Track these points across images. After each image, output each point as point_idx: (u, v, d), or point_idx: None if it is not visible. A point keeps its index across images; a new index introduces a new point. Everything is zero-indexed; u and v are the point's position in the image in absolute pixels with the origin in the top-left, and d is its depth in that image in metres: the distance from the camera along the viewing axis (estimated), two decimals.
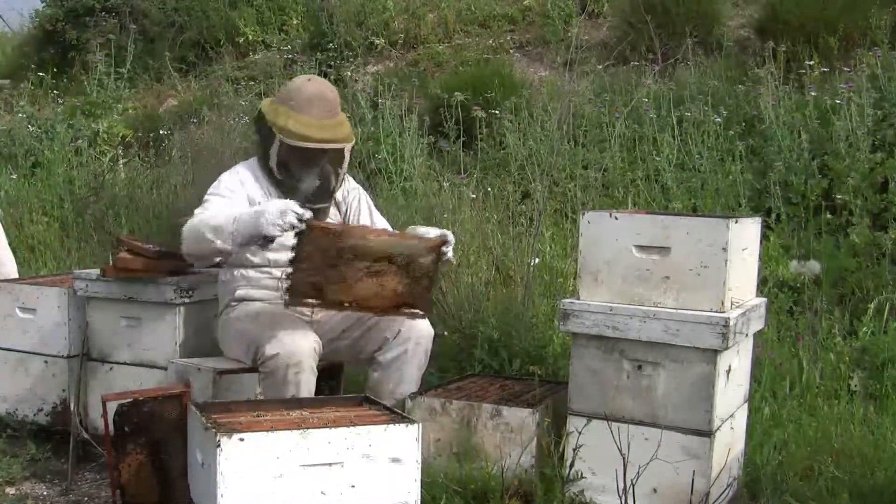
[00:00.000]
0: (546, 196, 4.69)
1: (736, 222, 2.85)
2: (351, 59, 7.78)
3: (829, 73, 5.77)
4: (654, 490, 2.81)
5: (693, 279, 2.80)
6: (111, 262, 3.65)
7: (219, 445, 2.32)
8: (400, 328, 3.18)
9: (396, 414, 2.68)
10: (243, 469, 2.35)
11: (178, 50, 8.87)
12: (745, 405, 3.20)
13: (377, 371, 3.20)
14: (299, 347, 2.95)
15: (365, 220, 3.36)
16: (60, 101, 8.08)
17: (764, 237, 4.16)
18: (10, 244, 4.44)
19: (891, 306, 4.14)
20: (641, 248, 2.87)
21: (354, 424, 2.51)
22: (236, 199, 3.16)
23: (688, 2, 6.85)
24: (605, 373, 2.89)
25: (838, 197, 4.81)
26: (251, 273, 3.25)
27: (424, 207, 4.88)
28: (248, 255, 3.20)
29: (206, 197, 3.18)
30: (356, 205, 3.41)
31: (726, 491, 2.89)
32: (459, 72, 7.16)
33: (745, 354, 3.12)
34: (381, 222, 3.43)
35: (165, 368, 3.36)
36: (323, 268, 2.87)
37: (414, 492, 2.51)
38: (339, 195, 3.35)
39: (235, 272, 3.26)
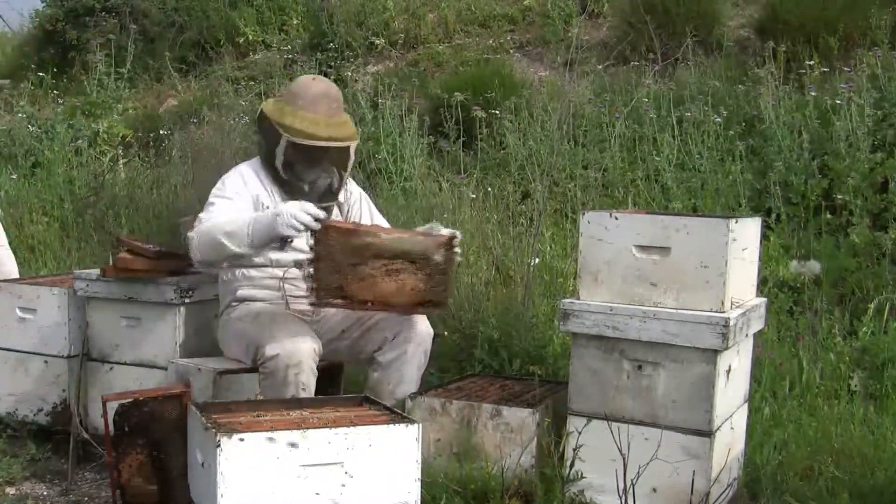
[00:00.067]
0: (546, 196, 4.69)
1: (736, 222, 2.85)
2: (351, 59, 7.78)
3: (829, 73, 5.77)
4: (654, 490, 2.81)
5: (693, 279, 2.80)
6: (111, 262, 3.65)
7: (219, 445, 2.32)
8: (400, 328, 3.18)
9: (396, 414, 2.68)
10: (243, 469, 2.35)
11: (178, 50, 8.86)
12: (745, 405, 3.20)
13: (377, 371, 3.20)
14: (299, 348, 2.95)
15: (366, 222, 3.36)
16: (60, 101, 8.08)
17: (764, 237, 4.16)
18: (10, 244, 4.45)
19: (891, 306, 4.14)
20: (641, 248, 2.87)
21: (354, 424, 2.51)
22: (241, 200, 3.15)
23: (688, 2, 6.84)
24: (605, 373, 2.89)
25: (838, 197, 4.81)
26: (253, 273, 3.25)
27: (424, 207, 4.89)
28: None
29: (211, 200, 3.17)
30: (357, 207, 3.42)
31: (726, 491, 2.89)
32: (459, 72, 7.16)
33: (745, 354, 3.12)
34: (382, 224, 3.43)
35: (165, 368, 3.36)
36: (343, 267, 2.89)
37: (414, 492, 2.51)
38: (340, 196, 3.35)
39: (237, 272, 3.26)
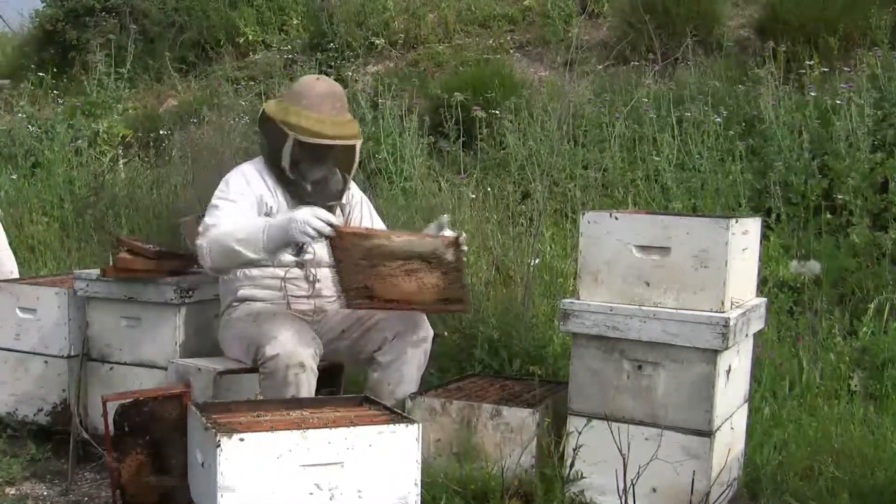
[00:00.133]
0: (546, 196, 4.69)
1: (736, 222, 2.85)
2: (351, 59, 7.78)
3: (829, 73, 5.77)
4: (654, 490, 2.81)
5: (693, 279, 2.80)
6: (111, 263, 3.65)
7: (219, 445, 2.32)
8: (399, 329, 3.18)
9: (396, 414, 2.68)
10: (243, 469, 2.35)
11: (178, 50, 8.86)
12: (745, 405, 3.20)
13: (377, 371, 3.20)
14: (300, 348, 2.95)
15: (367, 226, 3.36)
16: (60, 101, 8.08)
17: (764, 237, 4.16)
18: (10, 244, 4.44)
19: (891, 306, 4.14)
20: (641, 248, 2.87)
21: (354, 424, 2.51)
22: (244, 201, 3.15)
23: (688, 2, 6.84)
24: (605, 373, 2.89)
25: (838, 197, 4.81)
26: (254, 272, 3.25)
27: (424, 207, 4.89)
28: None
29: (215, 202, 3.16)
30: (358, 209, 3.42)
31: (726, 491, 2.89)
32: (459, 72, 7.16)
33: (745, 354, 3.12)
34: (378, 226, 3.43)
35: (165, 368, 3.36)
36: (364, 268, 2.92)
37: (414, 492, 2.51)
38: (343, 197, 3.35)
39: (238, 272, 3.26)
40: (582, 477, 2.87)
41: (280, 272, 3.22)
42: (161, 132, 7.38)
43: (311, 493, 2.41)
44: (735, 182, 5.04)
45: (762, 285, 4.04)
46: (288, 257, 3.05)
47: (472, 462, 2.99)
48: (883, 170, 4.82)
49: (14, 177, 6.94)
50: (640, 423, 2.84)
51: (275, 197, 3.21)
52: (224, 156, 5.59)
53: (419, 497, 2.54)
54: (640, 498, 2.79)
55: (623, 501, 2.79)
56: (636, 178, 5.39)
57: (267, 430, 2.43)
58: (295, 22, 8.73)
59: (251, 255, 2.98)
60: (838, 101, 5.15)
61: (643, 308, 2.83)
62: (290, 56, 8.04)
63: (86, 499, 3.29)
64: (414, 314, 3.23)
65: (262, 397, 2.98)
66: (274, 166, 3.23)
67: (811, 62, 5.77)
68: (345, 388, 3.46)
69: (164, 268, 3.49)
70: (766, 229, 4.66)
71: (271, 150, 3.23)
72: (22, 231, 6.08)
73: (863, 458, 3.12)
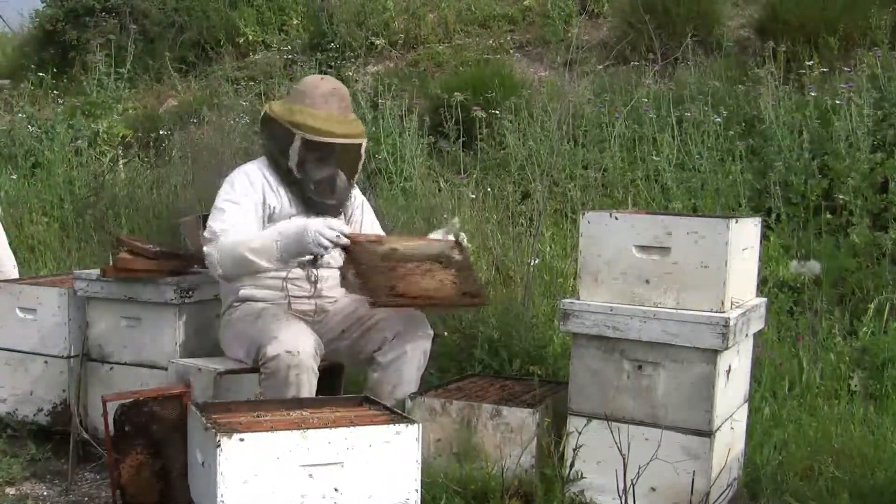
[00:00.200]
0: (546, 196, 4.69)
1: (736, 222, 2.85)
2: (351, 60, 7.78)
3: (829, 73, 5.77)
4: (654, 490, 2.81)
5: (693, 279, 2.80)
6: (111, 263, 3.65)
7: (219, 445, 2.33)
8: (399, 329, 3.18)
9: (396, 414, 2.68)
10: (243, 469, 2.35)
11: (178, 50, 8.86)
12: (745, 405, 3.20)
13: (376, 371, 3.20)
14: (301, 349, 2.95)
15: (367, 230, 3.37)
16: (60, 102, 8.08)
17: (764, 237, 4.16)
18: (10, 244, 4.44)
19: (891, 306, 4.14)
20: (641, 248, 2.87)
21: (354, 424, 2.51)
22: (249, 202, 3.15)
23: (688, 2, 6.84)
24: (605, 373, 2.89)
25: (838, 197, 4.81)
26: None
27: (424, 207, 4.89)
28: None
29: (220, 205, 3.15)
30: (359, 212, 3.42)
31: (726, 491, 2.89)
32: (459, 72, 7.16)
33: (745, 354, 3.12)
34: (378, 233, 3.42)
35: (166, 368, 3.36)
36: (385, 270, 2.95)
37: (414, 492, 2.51)
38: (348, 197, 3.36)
39: None
40: (582, 477, 2.87)
41: (282, 272, 3.22)
42: (161, 132, 7.38)
43: (310, 494, 2.41)
44: (735, 182, 5.04)
45: (762, 285, 4.04)
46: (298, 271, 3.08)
47: (472, 462, 2.99)
48: (883, 170, 4.82)
49: (14, 177, 6.94)
50: (640, 423, 2.84)
51: (278, 197, 3.21)
52: (224, 156, 5.59)
53: (419, 497, 2.54)
54: (640, 498, 2.79)
55: (623, 501, 2.79)
56: (636, 178, 5.38)
57: (267, 430, 2.43)
58: (295, 22, 8.73)
59: (264, 265, 3.02)
60: (838, 101, 5.15)
61: (643, 308, 2.83)
62: (290, 56, 8.04)
63: (86, 499, 3.29)
64: (414, 314, 3.23)
65: (262, 398, 2.98)
66: (278, 166, 3.22)
67: (811, 62, 5.77)
68: (345, 388, 3.46)
69: (164, 268, 3.49)
70: (766, 229, 4.65)
71: (276, 150, 3.22)
72: (22, 231, 6.08)
73: (863, 458, 3.12)
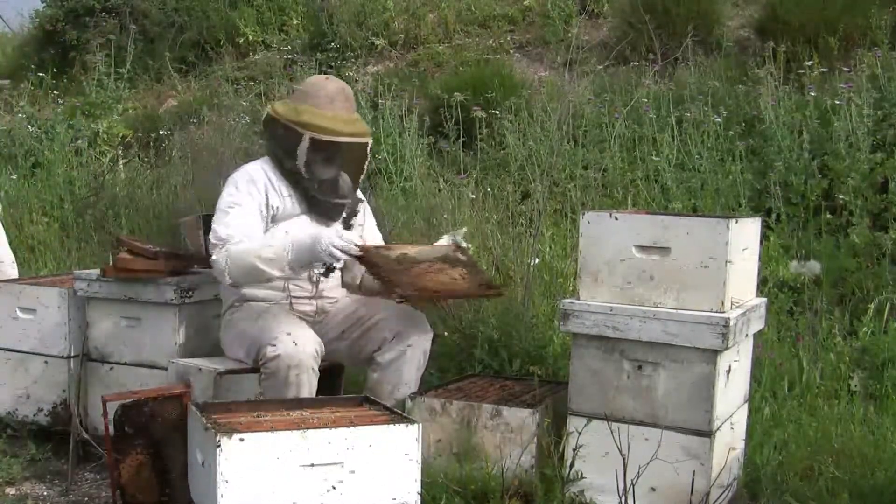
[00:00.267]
0: (546, 196, 4.69)
1: (736, 222, 2.85)
2: (351, 60, 7.78)
3: (829, 73, 5.77)
4: (654, 490, 2.81)
5: (693, 279, 2.80)
6: (111, 263, 3.65)
7: (219, 445, 2.33)
8: (399, 329, 3.18)
9: (396, 414, 2.68)
10: (243, 469, 2.35)
11: (178, 50, 8.87)
12: (745, 405, 3.20)
13: (376, 372, 3.20)
14: (301, 349, 2.95)
15: (368, 236, 3.37)
16: (60, 102, 8.08)
17: (764, 237, 4.16)
18: (10, 244, 4.44)
19: (891, 306, 4.14)
20: (641, 248, 2.87)
21: (354, 424, 2.52)
22: (254, 205, 3.14)
23: (688, 2, 6.84)
24: (605, 373, 2.89)
25: (838, 197, 4.81)
26: None
27: (424, 207, 4.89)
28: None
29: (225, 207, 3.14)
30: (362, 216, 3.42)
31: (726, 491, 2.89)
32: (459, 72, 7.16)
33: (745, 354, 3.12)
34: (378, 240, 3.43)
35: (166, 369, 3.36)
36: (401, 271, 2.97)
37: (414, 492, 2.51)
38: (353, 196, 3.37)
39: None
40: (582, 477, 2.87)
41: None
42: (161, 132, 7.39)
43: (310, 494, 2.41)
44: (735, 182, 5.04)
45: (762, 285, 4.04)
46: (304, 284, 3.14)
47: (472, 462, 2.99)
48: (883, 170, 4.82)
49: (14, 177, 6.94)
50: (640, 423, 2.84)
51: (281, 197, 3.20)
52: (224, 156, 5.60)
53: (419, 497, 2.54)
54: (640, 498, 2.79)
55: (623, 501, 2.79)
56: (636, 179, 5.39)
57: (267, 431, 2.43)
58: (295, 22, 8.73)
59: (276, 274, 3.02)
60: (838, 101, 5.15)
61: (643, 308, 2.83)
62: (290, 56, 8.04)
63: (86, 499, 3.29)
64: (413, 314, 3.24)
65: (262, 397, 2.98)
66: (282, 166, 3.22)
67: (811, 62, 5.77)
68: (345, 388, 3.46)
69: (164, 268, 3.48)
70: (766, 229, 4.65)
71: (282, 150, 3.22)
72: (22, 231, 6.08)
73: (863, 458, 3.12)
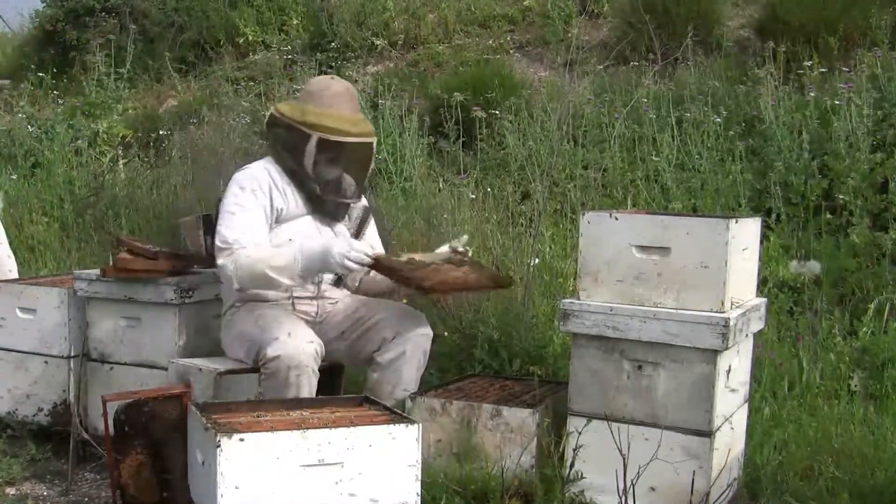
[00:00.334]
0: (546, 196, 4.69)
1: (736, 222, 2.85)
2: (351, 60, 7.78)
3: (828, 73, 5.77)
4: (654, 490, 2.81)
5: (693, 279, 2.80)
6: (111, 263, 3.65)
7: (219, 445, 2.33)
8: (398, 329, 3.19)
9: (396, 414, 2.68)
10: (243, 469, 2.35)
11: (178, 50, 8.86)
12: (745, 405, 3.20)
13: (376, 372, 3.20)
14: (301, 350, 2.95)
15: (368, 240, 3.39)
16: (60, 102, 8.08)
17: (764, 237, 4.16)
18: (10, 244, 4.44)
19: (891, 306, 4.14)
20: (641, 248, 2.87)
21: (354, 424, 2.51)
22: (259, 206, 3.14)
23: (688, 2, 6.84)
24: (605, 373, 2.89)
25: (838, 197, 4.81)
26: None
27: (424, 208, 4.89)
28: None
29: (230, 208, 3.13)
30: (365, 220, 3.42)
31: (726, 491, 2.89)
32: (459, 72, 7.16)
33: (745, 354, 3.12)
34: (377, 245, 3.43)
35: (166, 369, 3.36)
36: (415, 273, 3.00)
37: (414, 492, 2.51)
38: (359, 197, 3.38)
39: None
40: (582, 477, 2.87)
41: None
42: (161, 132, 7.38)
43: (310, 494, 2.41)
44: (735, 182, 5.04)
45: (762, 285, 4.04)
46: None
47: (472, 462, 2.99)
48: (883, 170, 4.82)
49: (14, 177, 6.94)
50: (640, 423, 2.84)
51: (285, 198, 3.20)
52: (224, 156, 5.60)
53: (419, 497, 2.54)
54: (640, 498, 2.79)
55: (623, 501, 2.79)
56: (636, 179, 5.38)
57: (267, 431, 2.43)
58: (295, 22, 8.73)
59: (286, 282, 3.05)
60: (838, 102, 5.15)
61: (643, 308, 2.83)
62: (290, 56, 8.04)
63: (86, 499, 3.29)
64: (414, 315, 3.25)
65: (262, 398, 2.98)
66: (286, 167, 3.22)
67: (811, 62, 5.77)
68: (345, 388, 3.46)
69: (164, 268, 3.48)
70: (766, 229, 4.65)
71: (287, 151, 3.21)
72: (22, 231, 6.08)
73: (863, 458, 3.12)
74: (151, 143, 7.34)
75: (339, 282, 3.18)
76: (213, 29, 8.80)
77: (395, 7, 8.15)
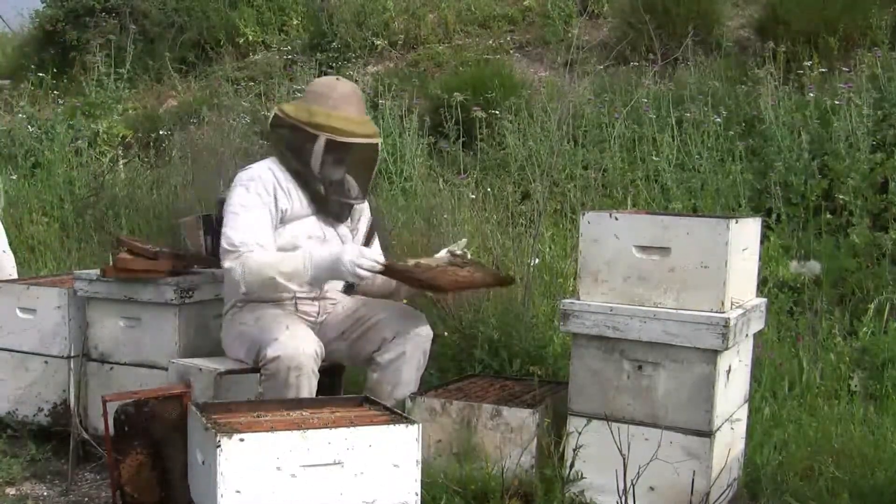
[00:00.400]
0: (546, 196, 4.69)
1: (736, 222, 2.85)
2: (351, 60, 7.78)
3: (828, 73, 5.77)
4: (654, 490, 2.81)
5: (693, 279, 2.80)
6: (111, 263, 3.65)
7: (219, 445, 2.33)
8: (398, 329, 3.18)
9: (396, 414, 2.68)
10: (243, 469, 2.35)
11: (178, 50, 8.86)
12: (745, 405, 3.20)
13: (376, 372, 3.20)
14: (301, 350, 2.95)
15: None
16: (60, 102, 8.08)
17: (764, 237, 4.16)
18: (10, 244, 4.44)
19: (891, 306, 4.14)
20: (641, 248, 2.87)
21: (354, 425, 2.52)
22: (264, 206, 3.13)
23: (688, 2, 6.85)
24: (606, 373, 2.89)
25: (838, 197, 4.81)
26: None
27: (424, 208, 4.89)
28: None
29: (235, 209, 3.12)
30: (361, 227, 3.42)
31: (726, 491, 2.89)
32: (459, 72, 7.16)
33: (745, 354, 3.12)
34: (376, 247, 3.43)
35: (166, 369, 3.36)
36: (424, 275, 3.03)
37: (414, 492, 2.51)
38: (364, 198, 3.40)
39: None
40: (582, 477, 2.87)
41: None
42: (161, 132, 7.38)
43: (310, 494, 2.41)
44: (735, 182, 5.04)
45: (762, 285, 4.04)
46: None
47: (472, 462, 2.99)
48: (883, 170, 4.82)
49: (14, 177, 6.94)
50: (640, 423, 2.84)
51: (289, 199, 3.19)
52: (224, 156, 5.59)
53: (419, 497, 2.54)
54: (640, 498, 2.79)
55: (623, 501, 2.79)
56: (636, 179, 5.39)
57: (267, 431, 2.43)
58: (295, 22, 8.74)
59: (294, 287, 3.08)
60: (838, 102, 5.15)
61: (643, 308, 2.83)
62: (290, 56, 8.04)
63: (86, 499, 3.29)
64: (414, 315, 3.25)
65: (262, 398, 2.98)
66: (291, 168, 3.21)
67: (811, 62, 5.77)
68: (345, 388, 3.46)
69: (163, 268, 3.48)
70: (766, 229, 4.66)
71: (292, 152, 3.21)
72: (22, 231, 6.08)
73: (863, 458, 3.12)
74: (151, 144, 7.34)
75: (350, 289, 3.20)
76: (213, 29, 8.80)
77: (395, 7, 8.15)
